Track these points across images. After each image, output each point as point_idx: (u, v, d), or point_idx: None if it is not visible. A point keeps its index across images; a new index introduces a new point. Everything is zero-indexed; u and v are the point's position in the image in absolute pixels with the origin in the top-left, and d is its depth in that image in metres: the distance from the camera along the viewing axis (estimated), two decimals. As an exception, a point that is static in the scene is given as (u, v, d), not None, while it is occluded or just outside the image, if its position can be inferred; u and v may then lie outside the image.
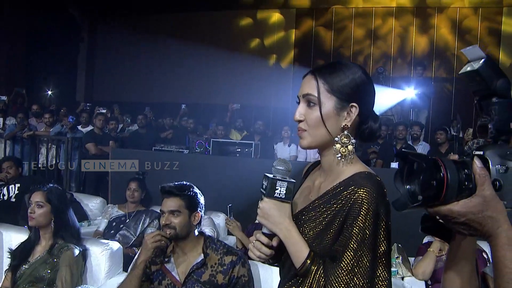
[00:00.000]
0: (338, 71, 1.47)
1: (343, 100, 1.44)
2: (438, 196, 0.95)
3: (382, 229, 1.37)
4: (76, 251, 3.02)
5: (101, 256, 3.15)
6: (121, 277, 3.03)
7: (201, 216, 2.75)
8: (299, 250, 1.40)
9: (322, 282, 1.36)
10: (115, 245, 3.31)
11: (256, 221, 4.12)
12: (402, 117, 9.07)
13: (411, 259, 3.83)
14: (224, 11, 13.49)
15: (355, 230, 1.33)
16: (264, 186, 1.44)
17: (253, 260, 1.53)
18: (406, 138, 7.23)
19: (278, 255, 1.53)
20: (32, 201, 3.07)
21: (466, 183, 0.96)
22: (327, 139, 1.45)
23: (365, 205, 1.34)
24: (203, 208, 2.79)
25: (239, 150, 6.62)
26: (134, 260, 2.81)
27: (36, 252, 3.06)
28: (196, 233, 2.72)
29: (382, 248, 1.37)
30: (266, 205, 1.43)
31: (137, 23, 13.58)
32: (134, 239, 4.48)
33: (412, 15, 12.70)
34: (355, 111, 1.44)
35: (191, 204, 2.70)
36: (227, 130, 8.35)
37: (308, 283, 1.38)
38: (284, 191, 1.41)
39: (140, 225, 4.56)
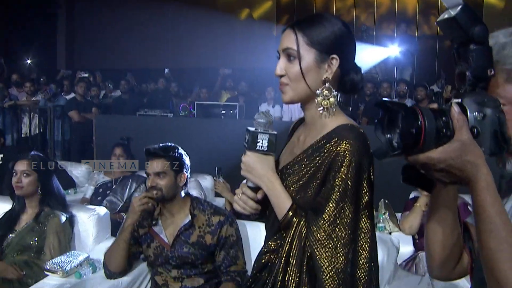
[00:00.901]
0: (317, 24, 1.44)
1: (323, 52, 1.42)
2: (416, 144, 0.95)
3: (365, 181, 1.37)
4: (63, 218, 2.99)
5: (88, 221, 3.13)
6: (109, 242, 3.01)
7: (187, 177, 2.73)
8: (281, 202, 1.40)
9: (304, 234, 1.36)
10: (102, 210, 3.29)
11: (244, 181, 4.11)
12: (386, 75, 9.06)
13: (398, 215, 3.86)
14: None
15: (337, 181, 1.33)
16: (246, 140, 1.42)
17: (240, 213, 1.52)
18: (390, 95, 7.22)
19: (263, 211, 1.53)
20: (18, 170, 3.01)
21: (444, 130, 0.95)
22: (308, 92, 1.44)
23: (347, 156, 1.33)
24: (189, 169, 2.76)
25: (224, 112, 6.57)
26: (122, 224, 2.78)
27: (22, 220, 3.03)
28: (183, 194, 2.71)
29: (365, 200, 1.37)
30: (249, 159, 1.42)
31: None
32: (121, 204, 4.45)
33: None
34: (335, 63, 1.42)
35: (177, 165, 2.66)
36: (212, 93, 8.28)
37: (290, 235, 1.38)
38: (266, 144, 1.39)
39: (127, 191, 4.53)
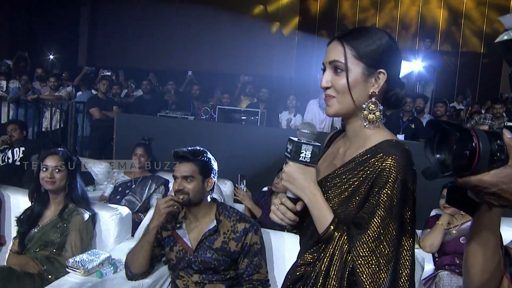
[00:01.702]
0: (365, 37, 1.43)
1: (371, 66, 1.41)
2: (469, 166, 0.94)
3: (409, 198, 1.36)
4: (86, 216, 2.99)
5: (110, 221, 3.11)
6: (130, 243, 3.01)
7: (214, 182, 2.71)
8: (323, 215, 1.38)
9: (345, 249, 1.35)
10: (124, 210, 3.27)
11: (264, 189, 4.09)
12: (409, 89, 9.00)
13: (419, 232, 3.81)
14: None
15: (383, 197, 1.32)
16: (288, 150, 1.41)
17: (274, 221, 1.50)
18: (412, 110, 7.17)
19: (299, 223, 1.51)
20: (49, 166, 2.99)
21: (498, 154, 0.94)
22: (353, 106, 1.43)
23: (393, 173, 1.32)
24: (216, 174, 2.74)
25: (245, 117, 6.55)
26: (146, 225, 2.76)
27: (45, 216, 3.02)
28: (209, 199, 2.69)
29: (408, 217, 1.36)
30: (291, 169, 1.40)
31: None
32: (139, 204, 4.45)
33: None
34: (383, 77, 1.41)
35: (205, 170, 2.65)
36: (232, 98, 8.27)
37: (331, 249, 1.37)
38: (310, 155, 1.38)
39: (146, 191, 4.53)
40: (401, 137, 6.44)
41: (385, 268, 1.30)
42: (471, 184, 0.97)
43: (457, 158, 0.95)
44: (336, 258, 1.35)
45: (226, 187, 4.57)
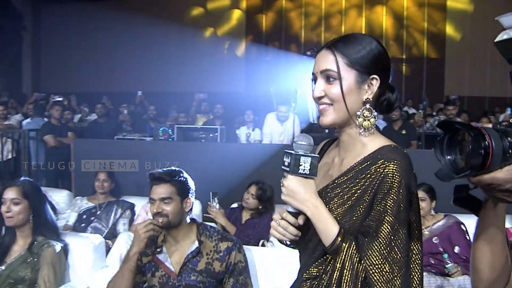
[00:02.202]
0: (354, 43, 1.43)
1: (364, 73, 1.41)
2: (483, 165, 0.95)
3: (414, 202, 1.36)
4: (58, 247, 2.84)
5: (84, 250, 2.99)
6: (105, 271, 2.90)
7: (193, 202, 2.65)
8: (328, 228, 1.36)
9: (355, 259, 1.33)
10: (97, 238, 3.15)
11: (233, 206, 4.04)
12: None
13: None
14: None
15: (389, 203, 1.31)
16: (286, 163, 1.38)
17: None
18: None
19: (300, 237, 1.47)
20: (6, 199, 2.79)
21: (510, 151, 0.95)
22: (348, 114, 1.42)
23: (397, 178, 1.31)
24: (194, 194, 2.67)
25: (204, 135, 6.49)
26: (114, 252, 2.66)
27: (13, 252, 2.82)
28: (188, 220, 2.62)
29: (414, 221, 1.36)
30: (291, 182, 1.37)
31: (85, 9, 13.12)
32: (106, 231, 4.33)
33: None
34: (376, 83, 1.41)
35: (182, 190, 2.58)
36: (188, 117, 8.20)
37: (340, 260, 1.34)
38: (309, 167, 1.35)
39: (112, 217, 4.42)
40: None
41: (398, 274, 1.29)
42: (484, 182, 0.98)
43: (472, 158, 0.96)
44: (347, 269, 1.33)
45: (194, 206, 4.49)
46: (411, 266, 1.34)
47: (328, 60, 1.42)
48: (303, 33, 13.37)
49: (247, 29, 13.61)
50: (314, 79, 1.47)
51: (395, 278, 1.28)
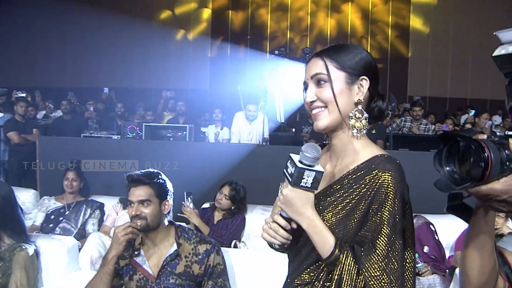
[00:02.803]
0: (344, 50, 1.47)
1: (353, 74, 1.44)
2: (483, 176, 0.97)
3: (408, 212, 1.39)
4: (31, 251, 2.76)
5: (57, 253, 2.92)
6: (79, 274, 2.84)
7: (171, 204, 2.62)
8: (324, 240, 1.37)
9: (353, 270, 1.34)
10: (70, 240, 3.08)
11: (204, 206, 4.02)
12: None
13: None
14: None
15: (385, 215, 1.33)
16: (289, 171, 1.38)
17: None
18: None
19: (291, 242, 1.49)
20: None
21: (508, 163, 0.98)
22: (340, 117, 1.44)
23: (391, 189, 1.34)
24: (172, 196, 2.65)
25: (172, 133, 6.42)
26: (84, 254, 2.61)
27: None
28: (166, 222, 2.59)
29: (408, 230, 1.40)
30: (290, 194, 1.38)
31: (50, 3, 12.76)
32: (75, 231, 4.25)
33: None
34: (365, 84, 1.44)
35: (161, 192, 2.55)
36: (156, 115, 8.12)
37: (338, 271, 1.36)
38: (311, 181, 1.35)
39: (81, 217, 4.34)
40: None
41: (396, 284, 1.32)
42: (482, 193, 1.02)
43: (472, 169, 0.98)
44: (345, 280, 1.34)
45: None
46: (405, 274, 1.37)
47: (318, 66, 1.45)
48: (269, 31, 13.39)
49: (214, 28, 13.55)
50: (305, 88, 1.49)
51: (394, 286, 1.31)
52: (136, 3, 13.06)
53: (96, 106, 8.40)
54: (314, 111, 1.46)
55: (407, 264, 1.37)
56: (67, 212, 4.33)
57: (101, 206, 4.47)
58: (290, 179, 1.36)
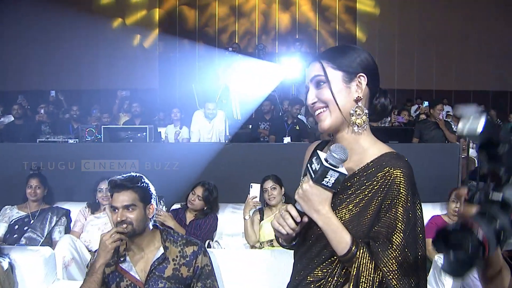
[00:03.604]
0: (340, 51, 1.52)
1: (350, 72, 1.47)
2: (483, 255, 1.03)
3: (418, 207, 1.44)
4: (5, 265, 2.66)
5: (34, 264, 2.81)
6: (58, 285, 2.74)
7: (155, 208, 2.57)
8: (340, 237, 1.39)
9: (371, 266, 1.37)
10: (47, 250, 2.98)
11: (174, 207, 3.97)
12: (283, 92, 9.29)
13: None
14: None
15: (400, 211, 1.38)
16: (313, 168, 1.39)
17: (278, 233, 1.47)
18: (296, 113, 7.39)
19: (295, 237, 1.53)
20: None
21: (502, 233, 1.04)
22: (341, 116, 1.47)
23: (403, 185, 1.38)
24: (155, 199, 2.60)
25: (132, 135, 6.28)
26: (91, 264, 2.51)
27: None
28: (151, 226, 2.54)
29: (419, 225, 1.43)
30: (310, 190, 1.40)
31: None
32: (42, 240, 4.12)
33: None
34: (363, 80, 1.48)
35: (145, 196, 2.50)
36: (113, 117, 7.94)
37: (355, 268, 1.38)
38: (333, 181, 1.37)
39: (47, 225, 4.20)
40: (287, 139, 6.64)
41: (413, 277, 1.37)
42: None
43: (473, 255, 1.02)
44: (363, 276, 1.37)
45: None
46: (418, 263, 1.40)
47: (315, 68, 1.50)
48: (216, 28, 13.32)
49: (162, 25, 13.35)
50: (307, 91, 1.53)
51: (411, 280, 1.36)
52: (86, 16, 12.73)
53: (47, 109, 8.11)
54: (316, 112, 1.51)
55: (419, 256, 1.40)
56: (32, 221, 4.18)
57: (67, 213, 4.34)
58: (313, 175, 1.37)
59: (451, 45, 12.63)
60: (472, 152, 7.45)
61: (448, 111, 9.23)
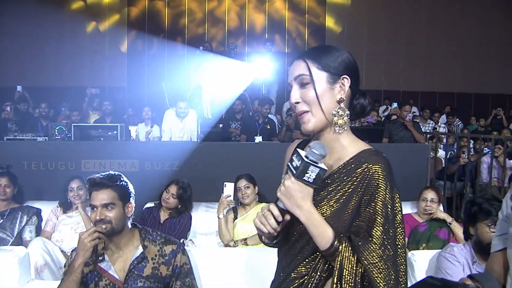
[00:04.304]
0: (325, 51, 1.53)
1: (334, 74, 1.50)
2: None
3: (397, 201, 1.46)
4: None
5: (8, 265, 2.76)
6: (33, 285, 2.70)
7: (134, 206, 2.56)
8: (323, 232, 1.42)
9: (353, 259, 1.40)
10: (21, 250, 2.92)
11: (148, 206, 3.97)
12: (254, 92, 9.33)
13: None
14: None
15: (379, 205, 1.42)
16: (294, 165, 1.41)
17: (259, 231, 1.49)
18: (266, 113, 7.43)
19: (277, 236, 1.55)
20: None
21: None
22: (324, 117, 1.50)
23: (382, 180, 1.42)
24: (134, 198, 2.59)
25: (102, 133, 6.21)
26: (69, 263, 2.48)
27: None
28: (130, 225, 2.54)
29: (399, 218, 1.46)
30: (292, 186, 1.41)
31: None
32: (11, 240, 4.05)
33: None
34: (347, 82, 1.51)
35: (124, 195, 2.50)
36: (83, 114, 7.83)
37: (338, 262, 1.41)
38: (314, 176, 1.39)
39: (17, 224, 4.13)
40: (259, 138, 6.68)
41: (392, 269, 1.40)
42: None
43: None
44: (346, 269, 1.40)
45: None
46: (398, 259, 1.43)
47: (300, 67, 1.51)
48: (186, 26, 13.26)
49: (130, 22, 13.21)
50: (290, 89, 1.55)
51: (391, 273, 1.39)
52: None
53: (14, 106, 7.93)
54: (300, 115, 1.53)
55: (399, 249, 1.44)
56: (1, 221, 4.09)
57: (38, 212, 4.26)
58: (295, 172, 1.40)
59: (418, 47, 12.91)
60: (441, 153, 7.65)
61: (415, 112, 9.44)
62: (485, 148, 7.23)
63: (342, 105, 1.49)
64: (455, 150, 7.14)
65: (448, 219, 3.99)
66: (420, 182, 5.28)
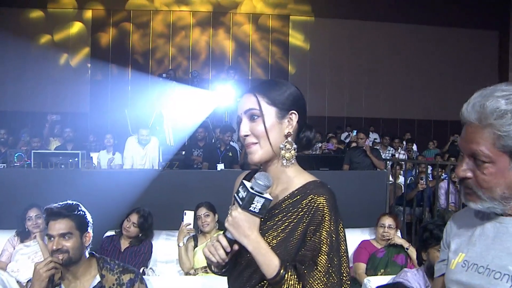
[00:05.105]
0: (275, 87, 1.60)
1: (283, 109, 1.57)
2: None
3: (341, 231, 1.53)
4: None
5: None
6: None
7: (91, 236, 2.57)
8: (269, 261, 1.46)
9: (298, 286, 1.45)
10: None
11: (108, 234, 3.96)
12: (216, 120, 9.39)
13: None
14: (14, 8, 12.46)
15: (323, 235, 1.48)
16: (240, 196, 1.47)
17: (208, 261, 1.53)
18: (227, 141, 7.49)
19: (227, 264, 1.58)
20: None
21: None
22: (272, 150, 1.56)
23: (327, 211, 1.49)
24: (92, 227, 2.60)
25: (63, 160, 6.16)
26: None
27: None
28: (87, 254, 2.54)
29: (343, 247, 1.53)
30: (239, 216, 1.46)
31: None
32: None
33: (210, 19, 13.34)
34: (295, 117, 1.58)
35: (81, 224, 2.50)
36: (43, 141, 7.73)
37: None
38: (260, 207, 1.45)
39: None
40: (221, 166, 6.74)
41: None
42: None
43: None
44: None
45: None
46: (343, 286, 1.49)
47: (250, 101, 1.57)
48: (150, 49, 13.33)
49: (94, 49, 13.20)
50: (239, 121, 1.61)
51: None
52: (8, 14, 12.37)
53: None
54: (247, 146, 1.58)
55: (344, 277, 1.50)
56: None
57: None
58: (241, 203, 1.45)
59: (379, 76, 13.32)
60: (401, 179, 7.83)
61: (376, 139, 9.65)
62: (442, 174, 7.44)
63: (289, 139, 1.56)
64: (414, 176, 7.33)
65: (406, 244, 4.10)
66: (379, 208, 5.40)
